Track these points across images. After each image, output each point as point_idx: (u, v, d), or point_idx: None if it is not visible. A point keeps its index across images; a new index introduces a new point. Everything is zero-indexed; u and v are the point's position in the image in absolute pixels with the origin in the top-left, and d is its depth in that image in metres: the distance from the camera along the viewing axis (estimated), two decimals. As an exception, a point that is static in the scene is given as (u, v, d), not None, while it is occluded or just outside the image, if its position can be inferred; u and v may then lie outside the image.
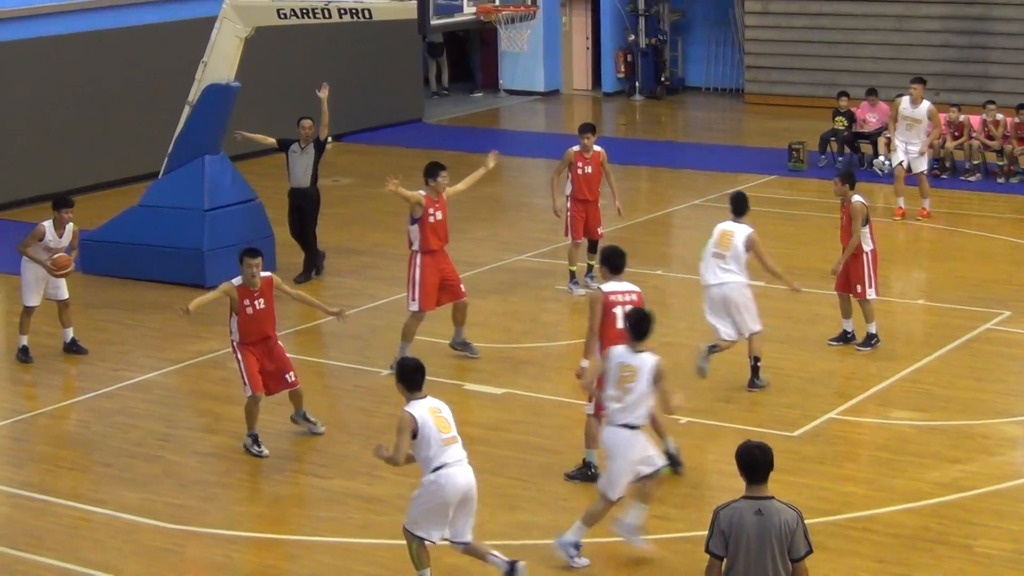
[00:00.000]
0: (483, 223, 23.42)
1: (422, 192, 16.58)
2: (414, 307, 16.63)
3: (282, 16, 19.69)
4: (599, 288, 13.43)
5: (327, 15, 19.42)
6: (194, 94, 20.36)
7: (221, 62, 20.12)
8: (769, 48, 33.65)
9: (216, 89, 20.17)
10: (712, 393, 15.85)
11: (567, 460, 14.23)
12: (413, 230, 16.57)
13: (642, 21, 34.88)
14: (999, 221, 23.42)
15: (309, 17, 19.52)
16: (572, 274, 19.69)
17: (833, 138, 27.15)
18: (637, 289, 13.42)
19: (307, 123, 20.24)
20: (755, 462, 9.10)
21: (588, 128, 19.52)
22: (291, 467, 14.43)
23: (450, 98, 35.94)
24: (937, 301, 19.00)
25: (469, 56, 36.95)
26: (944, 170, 26.05)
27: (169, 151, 20.73)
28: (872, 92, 27.04)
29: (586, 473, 13.65)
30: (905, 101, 23.46)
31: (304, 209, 20.49)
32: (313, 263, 20.63)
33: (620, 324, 12.98)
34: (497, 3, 19.57)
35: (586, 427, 13.58)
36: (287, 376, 14.64)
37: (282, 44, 27.29)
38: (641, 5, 34.88)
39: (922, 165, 23.31)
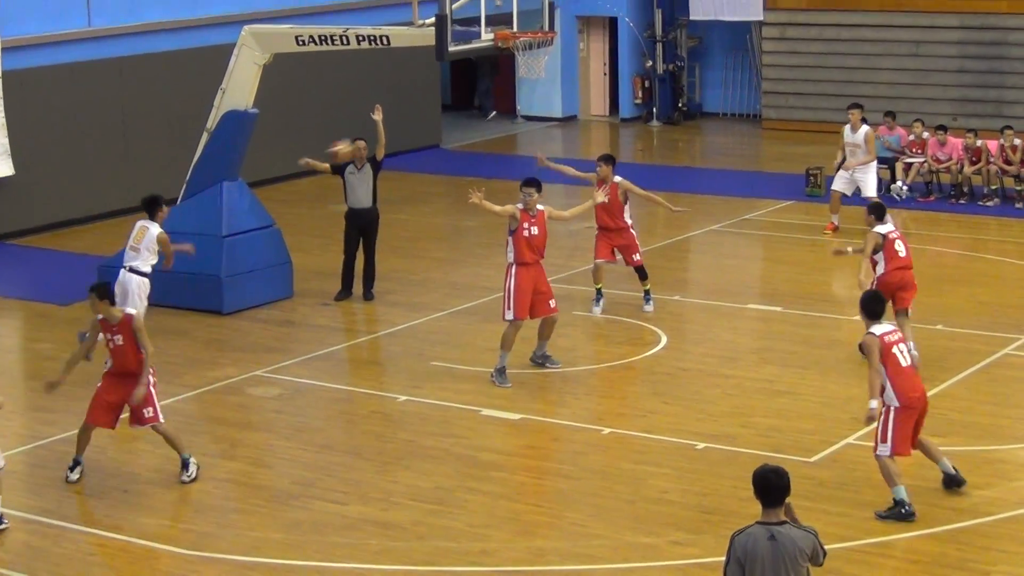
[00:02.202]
0: (501, 248, 23.30)
1: (519, 206, 17.07)
2: (509, 316, 17.13)
3: (300, 43, 19.76)
4: (872, 332, 13.36)
5: (345, 41, 19.48)
6: (212, 121, 20.41)
7: (239, 89, 20.18)
8: (786, 74, 33.68)
9: (234, 116, 20.22)
10: (729, 419, 15.84)
11: (584, 486, 14.22)
12: (509, 242, 17.17)
13: (659, 47, 34.94)
14: (1017, 246, 23.36)
15: (327, 44, 19.58)
16: (598, 292, 19.81)
17: (850, 163, 27.15)
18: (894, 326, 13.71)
19: (361, 144, 20.36)
20: (770, 486, 9.11)
21: (604, 158, 19.43)
22: (307, 493, 14.40)
23: (467, 124, 36.00)
24: (955, 326, 18.94)
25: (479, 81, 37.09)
26: (962, 195, 26.03)
27: (187, 177, 20.78)
28: (890, 115, 27.12)
29: (900, 512, 13.29)
30: (846, 128, 23.70)
31: (367, 228, 20.75)
32: (373, 279, 20.82)
33: (904, 363, 13.29)
34: (515, 29, 19.61)
35: (883, 469, 13.37)
36: (144, 412, 14.25)
37: (300, 72, 27.37)
38: (659, 31, 34.94)
39: (871, 190, 23.47)
